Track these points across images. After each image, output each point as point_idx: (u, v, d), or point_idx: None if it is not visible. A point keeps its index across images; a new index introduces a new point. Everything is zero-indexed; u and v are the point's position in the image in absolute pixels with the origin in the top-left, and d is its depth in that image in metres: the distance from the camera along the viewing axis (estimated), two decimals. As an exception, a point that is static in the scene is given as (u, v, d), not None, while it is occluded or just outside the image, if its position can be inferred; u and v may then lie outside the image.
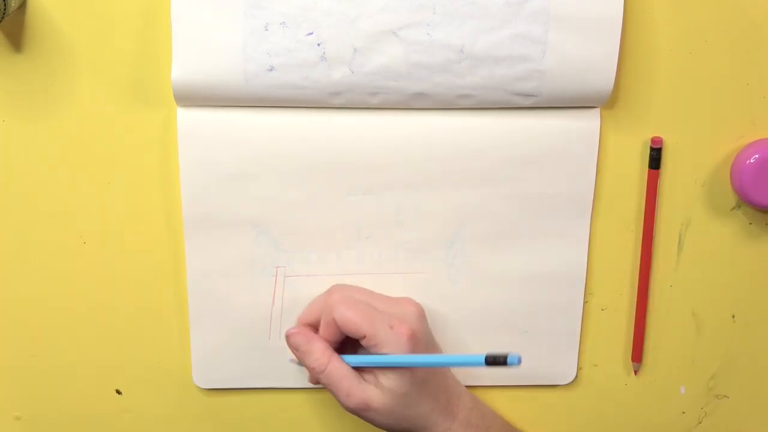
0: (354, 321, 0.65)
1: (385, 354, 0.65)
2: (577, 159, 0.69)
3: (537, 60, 0.64)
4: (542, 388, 0.75)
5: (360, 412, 0.66)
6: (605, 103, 0.67)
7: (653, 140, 0.69)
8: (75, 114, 0.67)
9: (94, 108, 0.66)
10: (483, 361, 0.59)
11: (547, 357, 0.74)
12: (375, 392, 0.65)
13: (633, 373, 0.76)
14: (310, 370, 0.67)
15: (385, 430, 0.68)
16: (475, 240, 0.70)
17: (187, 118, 0.66)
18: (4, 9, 0.60)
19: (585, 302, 0.73)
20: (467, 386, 0.74)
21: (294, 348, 0.68)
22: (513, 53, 0.64)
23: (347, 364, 0.66)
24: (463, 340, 0.72)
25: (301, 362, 0.68)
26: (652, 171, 0.70)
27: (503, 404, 0.75)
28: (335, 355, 0.66)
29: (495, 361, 0.59)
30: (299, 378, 0.73)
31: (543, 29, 0.63)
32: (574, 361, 0.74)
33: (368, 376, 0.66)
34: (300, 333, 0.67)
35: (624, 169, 0.70)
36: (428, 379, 0.67)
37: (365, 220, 0.69)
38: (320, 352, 0.66)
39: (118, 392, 0.74)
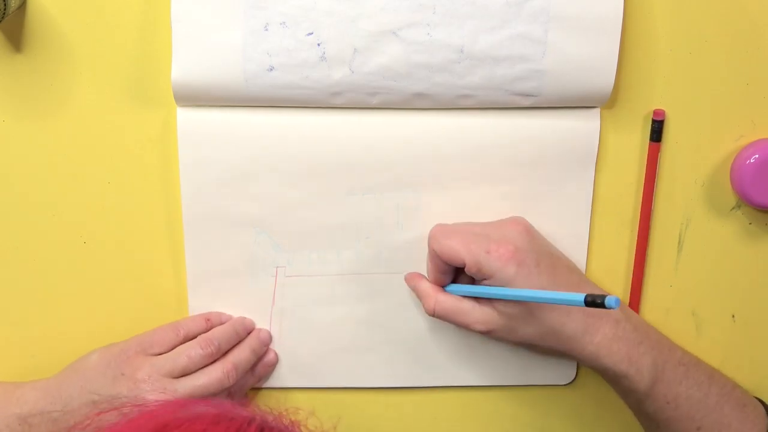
0: (452, 248, 0.64)
1: (491, 279, 0.64)
2: (577, 159, 0.69)
3: (537, 60, 0.64)
4: (542, 388, 0.75)
5: (487, 336, 0.66)
6: (605, 103, 0.67)
7: (655, 113, 0.68)
8: (75, 114, 0.67)
9: (94, 108, 0.66)
10: (582, 301, 0.57)
11: (548, 357, 0.73)
12: (491, 317, 0.65)
13: (633, 373, 0.75)
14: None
15: (524, 345, 0.67)
16: (475, 240, 0.70)
17: (187, 118, 0.66)
18: (4, 9, 0.60)
19: (585, 302, 0.73)
20: (466, 386, 0.74)
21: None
22: (513, 53, 0.64)
23: (456, 295, 0.66)
24: (464, 339, 0.72)
25: None
26: (653, 144, 0.69)
27: (503, 404, 0.75)
28: (441, 293, 0.67)
29: (594, 302, 0.57)
30: (299, 377, 0.73)
31: (543, 29, 0.63)
32: (574, 362, 0.74)
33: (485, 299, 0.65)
34: (408, 278, 0.69)
35: (624, 170, 0.70)
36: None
37: (365, 220, 0.69)
38: (425, 294, 0.67)
39: (118, 392, 0.74)
